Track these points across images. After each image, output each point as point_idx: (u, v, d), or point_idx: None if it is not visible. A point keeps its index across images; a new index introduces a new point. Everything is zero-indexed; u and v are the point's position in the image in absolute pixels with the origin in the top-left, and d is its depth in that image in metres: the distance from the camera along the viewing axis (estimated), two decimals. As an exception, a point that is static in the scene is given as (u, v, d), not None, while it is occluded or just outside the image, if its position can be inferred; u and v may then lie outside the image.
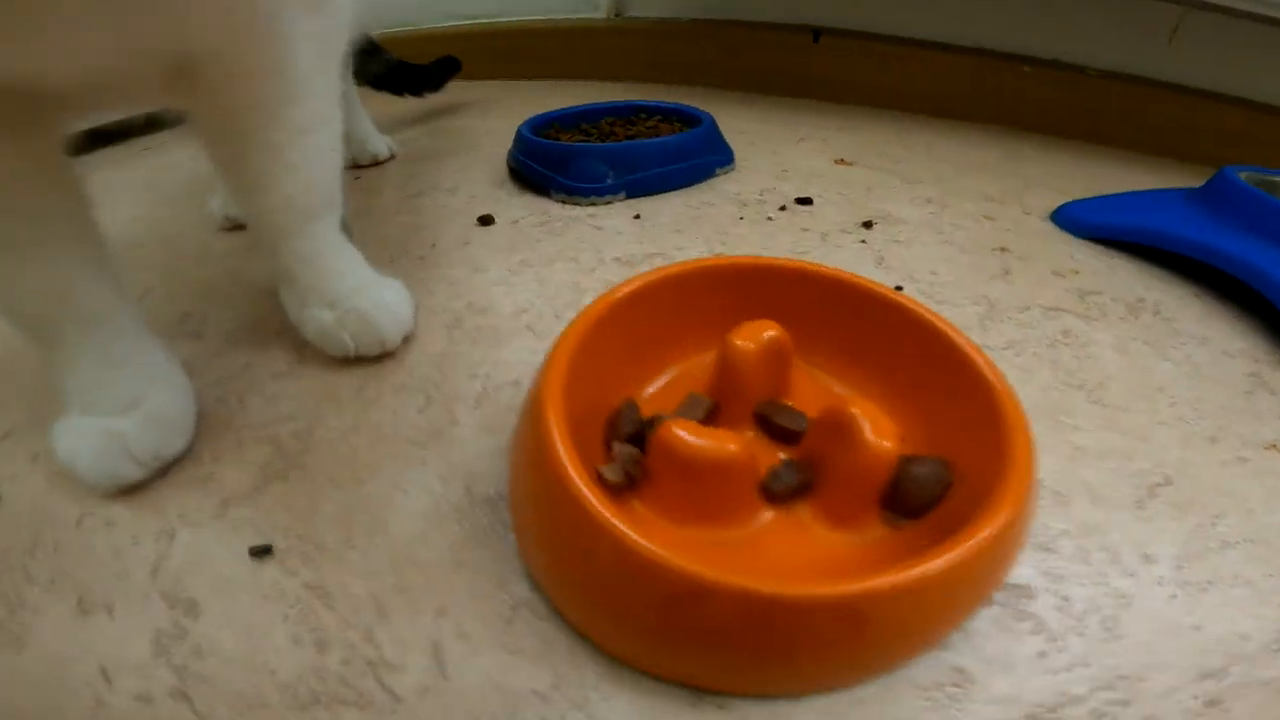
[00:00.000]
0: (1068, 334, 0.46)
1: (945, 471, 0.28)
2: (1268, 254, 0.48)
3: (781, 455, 0.32)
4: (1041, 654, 0.27)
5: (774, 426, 0.32)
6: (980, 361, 0.30)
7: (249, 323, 0.47)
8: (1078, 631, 0.28)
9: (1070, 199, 0.64)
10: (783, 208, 0.62)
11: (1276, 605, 0.29)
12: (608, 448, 0.31)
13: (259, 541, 0.30)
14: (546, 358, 0.30)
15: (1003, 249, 0.56)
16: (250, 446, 0.36)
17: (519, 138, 0.67)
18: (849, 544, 0.28)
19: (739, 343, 0.31)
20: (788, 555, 0.28)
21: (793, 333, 0.34)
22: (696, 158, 0.66)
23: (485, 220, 0.60)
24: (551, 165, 0.63)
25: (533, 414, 0.28)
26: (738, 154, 0.71)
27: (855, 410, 0.27)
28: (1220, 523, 0.33)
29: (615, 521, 0.23)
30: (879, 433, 0.27)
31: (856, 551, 0.28)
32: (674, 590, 0.22)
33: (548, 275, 0.52)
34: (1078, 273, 0.53)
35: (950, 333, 0.32)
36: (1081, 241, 0.58)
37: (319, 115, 0.36)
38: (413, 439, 0.36)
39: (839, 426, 0.28)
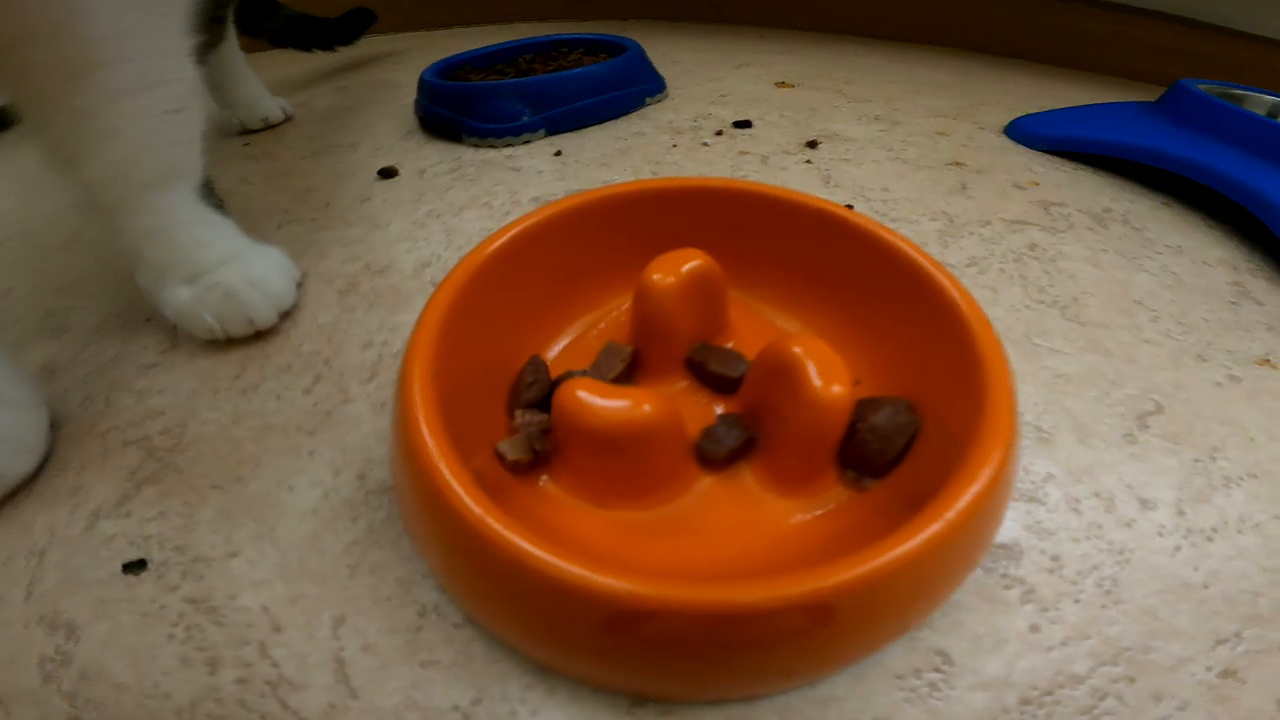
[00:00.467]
0: (1034, 247, 0.42)
1: (910, 417, 0.24)
2: (1241, 162, 0.45)
3: (719, 409, 0.27)
4: (1034, 627, 0.23)
5: (708, 374, 0.27)
6: (945, 282, 0.25)
7: (118, 312, 0.41)
8: (1073, 597, 0.24)
9: (1023, 114, 0.59)
10: (719, 132, 0.56)
11: None
12: (510, 415, 0.26)
13: (132, 556, 0.27)
14: (418, 319, 0.24)
15: (958, 163, 0.51)
16: (118, 450, 0.31)
17: (422, 83, 0.59)
18: (805, 514, 0.23)
19: (657, 277, 0.26)
20: (733, 535, 0.23)
21: (728, 262, 0.28)
22: (622, 87, 0.59)
23: (387, 173, 0.53)
24: (460, 108, 0.56)
25: (397, 390, 0.22)
26: (672, 83, 0.65)
27: (798, 349, 0.22)
28: (1220, 455, 0.30)
29: (500, 529, 0.18)
30: (827, 375, 0.22)
31: (815, 524, 0.23)
32: (588, 609, 0.17)
33: (456, 225, 0.45)
34: (1039, 185, 0.49)
35: (909, 250, 0.27)
36: (1040, 154, 0.54)
37: (144, 76, 0.31)
38: (300, 425, 0.31)
39: (780, 370, 0.23)
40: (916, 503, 0.20)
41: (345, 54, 0.77)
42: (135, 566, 0.26)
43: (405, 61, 0.84)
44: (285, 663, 0.23)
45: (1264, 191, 0.42)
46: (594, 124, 0.58)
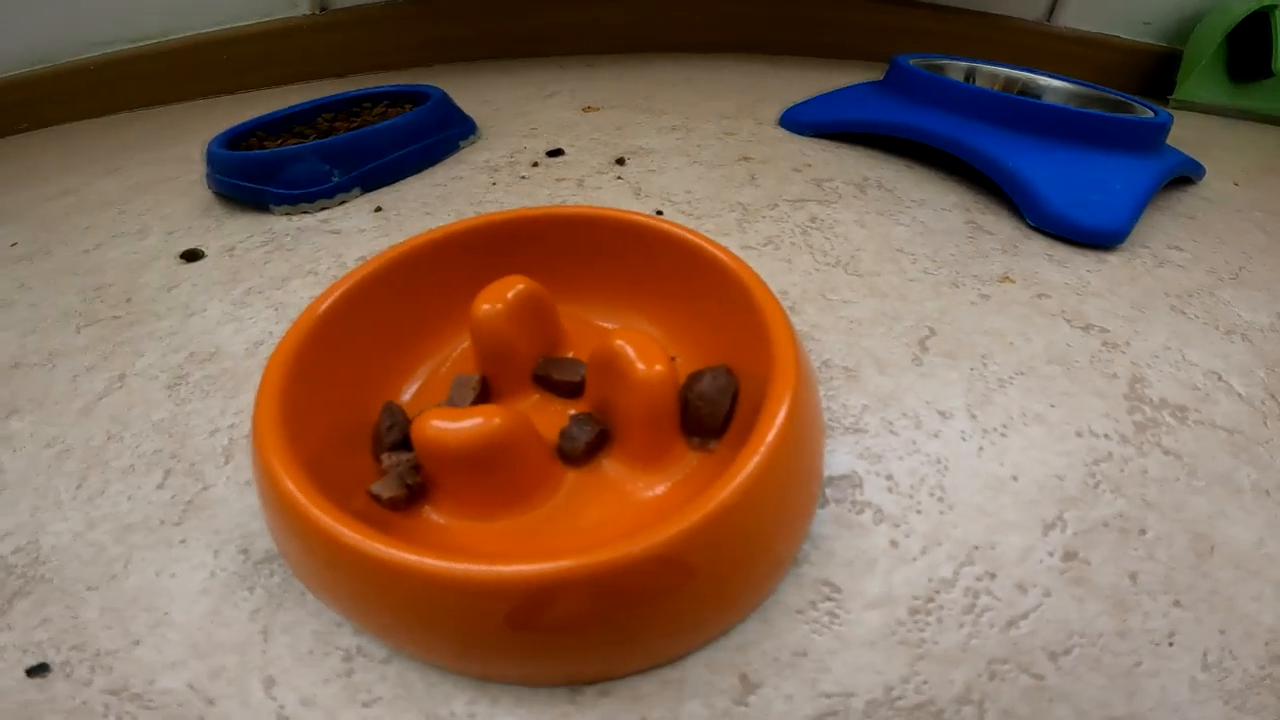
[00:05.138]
0: (815, 220, 0.49)
1: (729, 379, 0.27)
2: (947, 122, 0.56)
3: (571, 412, 0.29)
4: (893, 543, 0.27)
5: (553, 383, 0.30)
6: (728, 260, 0.29)
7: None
8: (915, 509, 0.28)
9: (791, 105, 0.69)
10: (535, 164, 0.59)
11: (1072, 437, 0.32)
12: (380, 462, 0.27)
13: (30, 662, 0.26)
14: (258, 390, 0.25)
15: (746, 158, 0.59)
16: (-30, 575, 0.29)
17: (210, 156, 0.56)
18: (664, 485, 0.26)
19: (486, 307, 0.28)
20: (605, 518, 0.25)
21: (552, 280, 0.31)
22: (432, 135, 0.61)
23: (191, 255, 0.50)
24: (259, 177, 0.54)
25: (254, 455, 0.22)
26: (483, 121, 0.67)
27: (618, 341, 0.25)
28: (990, 361, 0.36)
29: (389, 550, 0.19)
30: (647, 358, 0.25)
31: (673, 491, 0.26)
32: (494, 600, 0.19)
33: (283, 298, 0.44)
34: (810, 166, 0.57)
35: (698, 241, 0.31)
36: (808, 139, 0.63)
37: None
38: (162, 518, 0.30)
39: (609, 363, 0.26)
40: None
41: (115, 133, 0.70)
42: (38, 670, 0.25)
43: (185, 135, 0.78)
44: (231, 732, 0.22)
45: (969, 143, 0.53)
46: (410, 175, 0.59)
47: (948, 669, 0.23)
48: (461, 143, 0.64)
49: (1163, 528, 0.28)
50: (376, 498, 0.25)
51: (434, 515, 0.26)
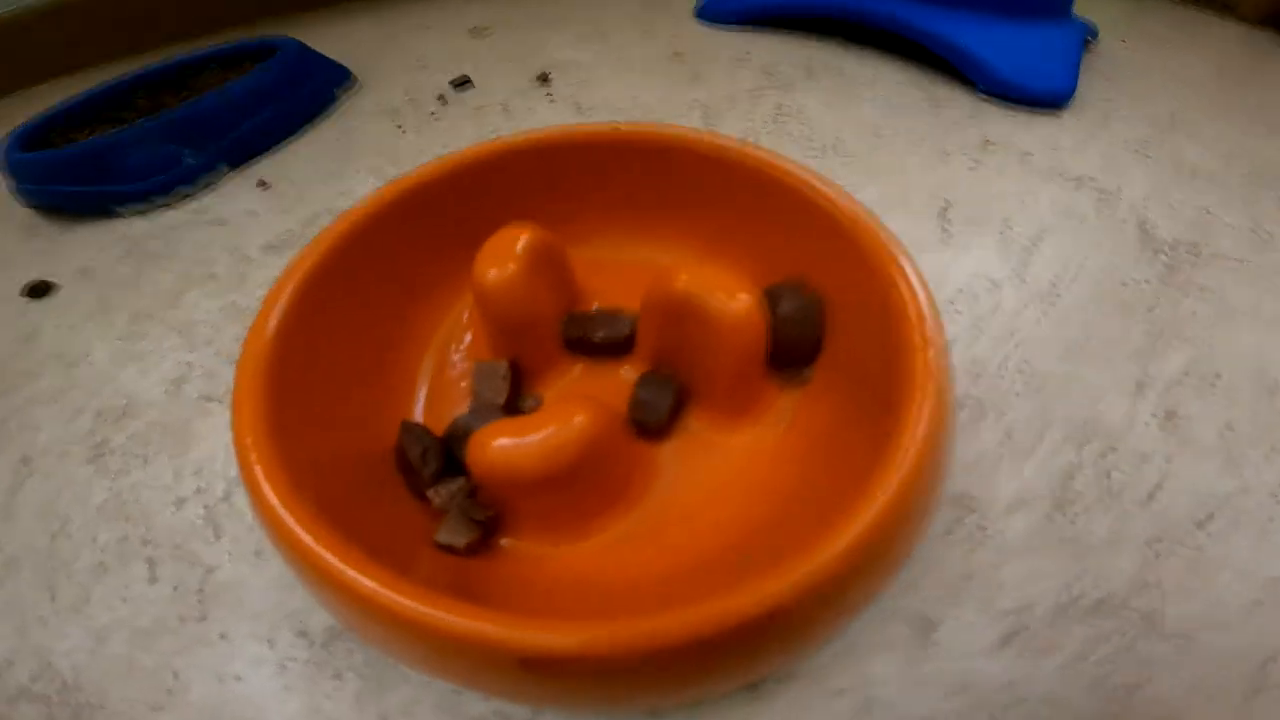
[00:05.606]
0: (781, 108, 0.45)
1: (811, 295, 0.23)
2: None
3: (625, 371, 0.24)
4: (1007, 434, 0.25)
5: (595, 345, 0.24)
6: (761, 154, 0.24)
7: None
8: (1012, 393, 0.27)
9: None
10: (441, 98, 0.50)
11: (1118, 286, 0.31)
12: (420, 496, 0.21)
13: None
14: (233, 426, 0.18)
15: (677, 55, 0.53)
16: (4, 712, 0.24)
17: (10, 164, 0.43)
18: (771, 436, 0.22)
19: (493, 273, 0.22)
20: (716, 497, 0.21)
21: (556, 218, 0.25)
22: (299, 88, 0.49)
23: (39, 290, 0.38)
24: (89, 175, 0.42)
25: (282, 543, 0.16)
26: (358, 65, 0.56)
27: (684, 277, 0.20)
28: (1013, 223, 0.35)
29: (499, 627, 0.14)
30: (726, 290, 0.20)
31: (785, 441, 0.22)
32: (627, 660, 0.15)
33: (185, 317, 0.35)
34: (750, 55, 0.52)
35: (708, 138, 0.26)
36: (731, 29, 0.57)
37: None
38: (181, 615, 0.25)
39: (677, 308, 0.21)
40: (857, 372, 0.19)
41: None
42: None
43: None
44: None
45: (916, 22, 0.48)
46: (287, 139, 0.48)
47: (1112, 558, 0.22)
48: (338, 91, 0.53)
49: (1229, 371, 0.28)
50: (450, 548, 0.19)
51: (517, 545, 0.21)
